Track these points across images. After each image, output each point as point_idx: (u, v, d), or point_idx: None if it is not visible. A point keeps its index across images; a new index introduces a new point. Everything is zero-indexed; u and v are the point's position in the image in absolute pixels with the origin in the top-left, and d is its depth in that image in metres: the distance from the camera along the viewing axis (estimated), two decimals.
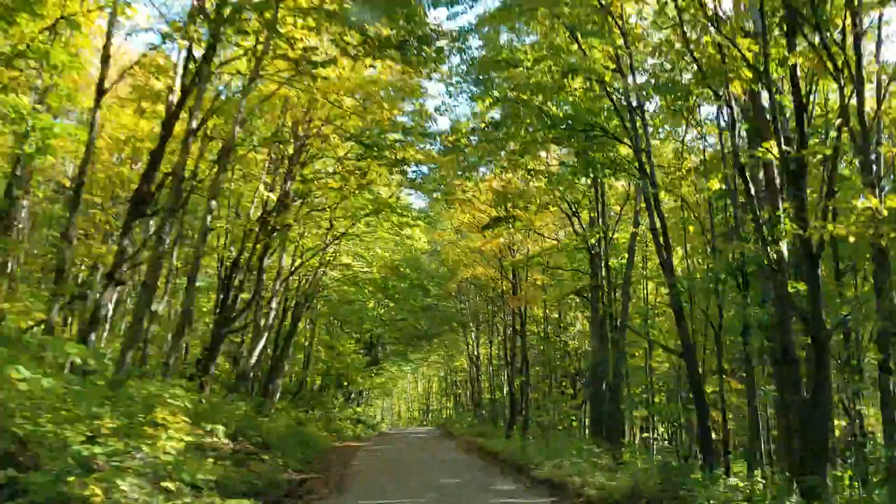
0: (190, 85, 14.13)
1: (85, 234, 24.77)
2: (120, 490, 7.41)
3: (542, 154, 22.22)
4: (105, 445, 8.39)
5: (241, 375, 24.19)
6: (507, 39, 19.75)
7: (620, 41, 15.61)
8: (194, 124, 14.24)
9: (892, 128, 18.15)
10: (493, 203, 23.83)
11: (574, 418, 29.10)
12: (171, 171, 14.68)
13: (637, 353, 29.39)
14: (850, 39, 10.92)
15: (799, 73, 12.03)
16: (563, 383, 30.84)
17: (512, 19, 17.53)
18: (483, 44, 19.71)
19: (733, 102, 14.44)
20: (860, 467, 15.21)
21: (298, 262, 26.46)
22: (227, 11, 13.34)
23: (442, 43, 16.28)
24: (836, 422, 16.39)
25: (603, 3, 14.81)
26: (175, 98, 14.69)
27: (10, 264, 21.72)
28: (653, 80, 16.29)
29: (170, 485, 8.40)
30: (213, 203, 16.78)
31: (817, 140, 16.63)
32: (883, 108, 14.99)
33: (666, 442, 30.84)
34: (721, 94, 13.78)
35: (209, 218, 16.99)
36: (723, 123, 17.30)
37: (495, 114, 19.71)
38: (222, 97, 18.42)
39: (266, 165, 21.68)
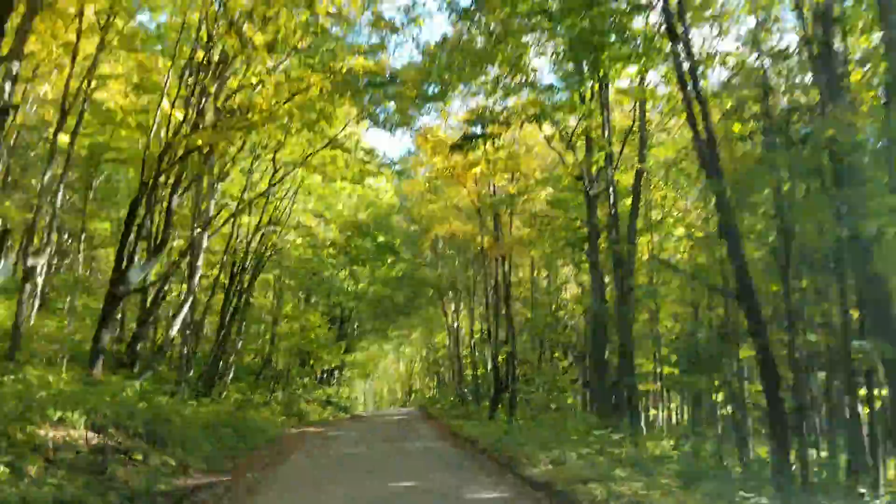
0: None
1: None
2: None
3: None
4: None
5: (157, 350, 19.17)
6: None
7: None
8: None
9: None
10: (466, 124, 18.79)
11: (568, 394, 24.24)
12: None
13: (640, 318, 24.51)
14: None
15: None
16: (555, 354, 25.92)
17: None
18: None
19: None
20: None
21: (230, 209, 21.31)
22: None
23: None
24: None
25: None
26: None
27: None
28: None
29: None
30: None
31: None
32: None
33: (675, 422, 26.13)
34: None
35: None
36: None
37: None
38: None
39: (172, 78, 16.40)
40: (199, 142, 15.10)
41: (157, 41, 18.08)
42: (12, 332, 14.45)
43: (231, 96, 17.45)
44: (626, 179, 22.85)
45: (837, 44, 11.15)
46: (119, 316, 19.28)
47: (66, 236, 28.61)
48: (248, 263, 27.63)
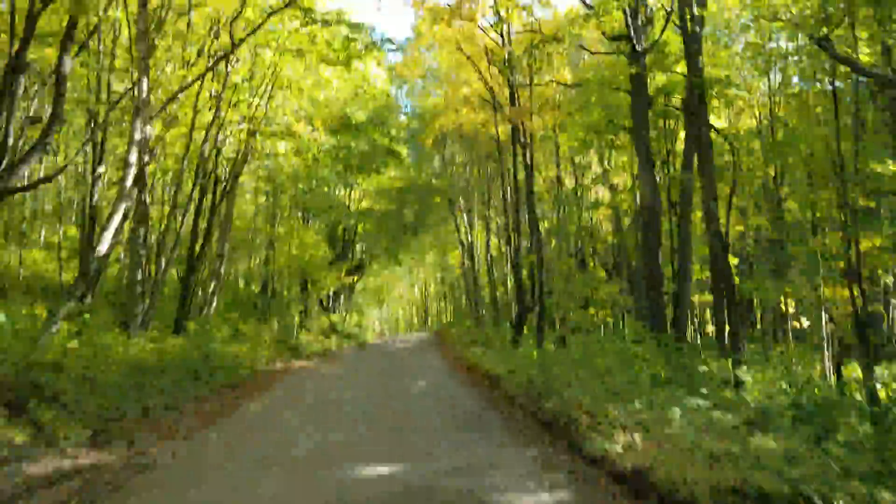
0: None
1: None
2: None
3: None
4: None
5: (81, 277, 14.58)
6: None
7: None
8: None
9: None
10: None
11: (608, 311, 19.54)
12: None
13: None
14: None
15: None
16: (591, 265, 21.02)
17: None
18: None
19: None
20: None
21: (166, 87, 16.37)
22: None
23: None
24: None
25: None
26: None
27: None
28: None
29: None
30: None
31: None
32: None
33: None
34: None
35: None
36: None
37: None
38: None
39: None
40: None
41: None
42: None
43: None
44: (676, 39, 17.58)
45: None
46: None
47: None
48: (220, 172, 22.81)
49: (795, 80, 18.51)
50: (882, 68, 13.56)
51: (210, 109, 20.60)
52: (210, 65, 16.27)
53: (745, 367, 10.97)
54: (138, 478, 6.51)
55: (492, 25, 18.95)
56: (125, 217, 16.08)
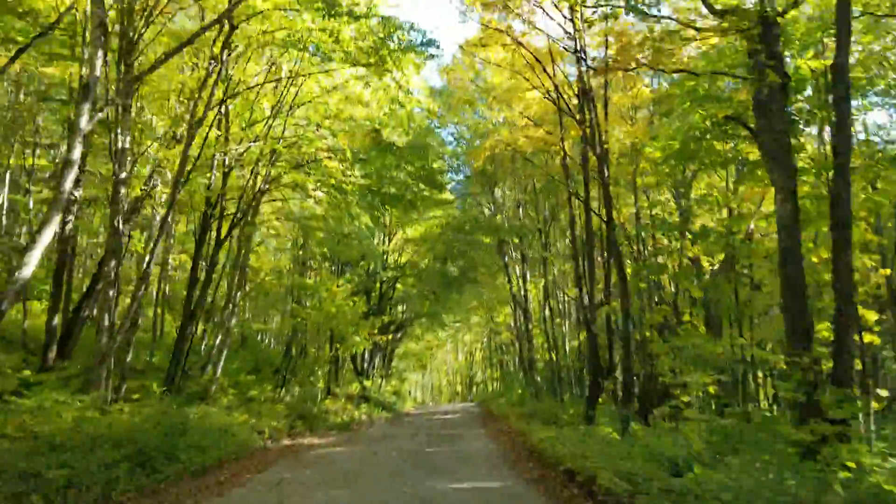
0: None
1: None
2: None
3: None
4: None
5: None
6: None
7: None
8: None
9: None
10: None
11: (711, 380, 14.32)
12: None
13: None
14: None
15: None
16: (688, 314, 15.83)
17: None
18: None
19: None
20: None
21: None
22: None
23: None
24: None
25: None
26: None
27: None
28: None
29: None
30: None
31: None
32: None
33: None
34: None
35: None
36: None
37: None
38: None
39: None
40: None
41: None
42: None
43: None
44: None
45: None
46: None
47: None
48: (228, 204, 18.86)
49: None
50: None
51: (212, 126, 16.80)
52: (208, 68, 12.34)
53: None
54: None
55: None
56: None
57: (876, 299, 15.65)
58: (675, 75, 13.59)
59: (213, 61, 15.30)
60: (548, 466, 9.05)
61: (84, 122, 10.72)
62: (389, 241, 33.45)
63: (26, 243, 13.46)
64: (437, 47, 17.52)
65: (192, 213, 20.18)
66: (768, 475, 6.74)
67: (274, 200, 22.41)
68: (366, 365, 34.19)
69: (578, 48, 14.33)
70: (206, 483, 9.39)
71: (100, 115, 11.68)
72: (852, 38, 11.18)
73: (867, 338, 12.80)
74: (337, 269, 30.05)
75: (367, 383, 31.22)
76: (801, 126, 12.26)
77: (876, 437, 9.81)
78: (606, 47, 14.49)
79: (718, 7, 12.50)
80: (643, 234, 16.25)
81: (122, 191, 14.33)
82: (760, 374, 15.22)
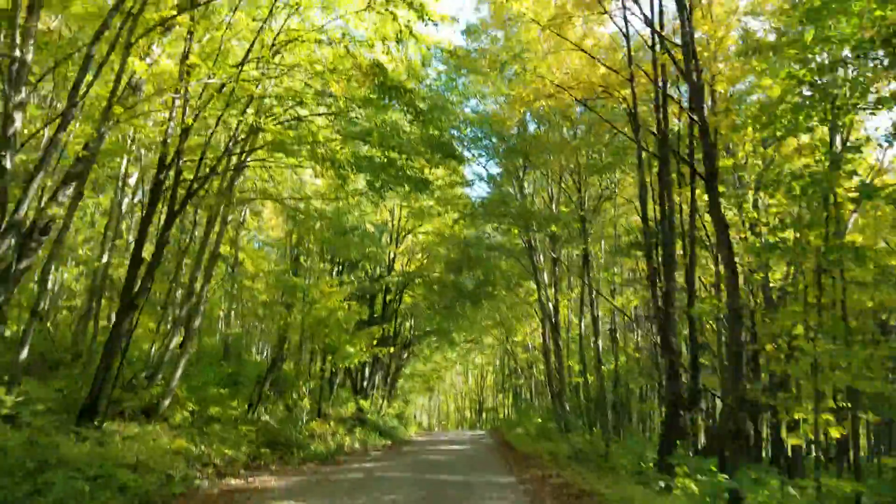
0: None
1: None
2: None
3: None
4: None
5: None
6: None
7: None
8: None
9: None
10: None
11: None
12: None
13: None
14: None
15: None
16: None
17: None
18: None
19: None
20: None
21: None
22: None
23: None
24: None
25: None
26: None
27: None
28: None
29: None
30: None
31: None
32: None
33: None
34: None
35: None
36: None
37: None
38: None
39: None
40: None
41: None
42: None
43: None
44: None
45: None
46: None
47: None
48: (181, 166, 14.49)
49: None
50: None
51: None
52: None
53: None
54: None
55: None
56: None
57: None
58: None
59: None
60: None
61: None
62: (398, 243, 29.01)
63: None
64: None
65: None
66: None
67: (262, 163, 18.05)
68: (365, 383, 29.55)
69: None
70: None
71: None
72: None
73: None
74: (338, 270, 25.60)
75: (365, 404, 26.55)
76: None
77: None
78: None
79: None
80: (760, 195, 11.63)
81: (17, 122, 10.06)
82: None
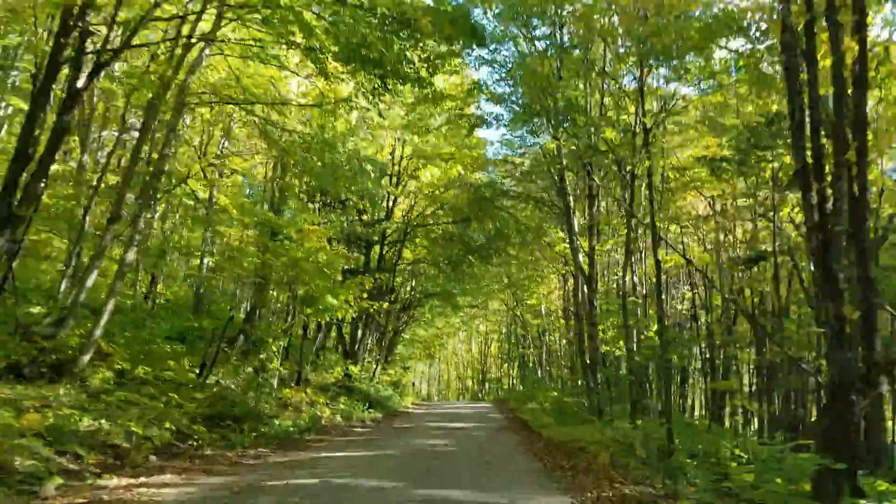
0: None
1: None
2: None
3: None
4: None
5: None
6: None
7: None
8: None
9: None
10: None
11: None
12: None
13: None
14: None
15: None
16: None
17: None
18: None
19: None
20: None
21: None
22: None
23: None
24: None
25: None
26: None
27: None
28: None
29: None
30: None
31: None
32: None
33: None
34: None
35: None
36: None
37: None
38: None
39: None
40: None
41: None
42: None
43: None
44: None
45: None
46: None
47: None
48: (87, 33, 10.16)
49: None
50: None
51: None
52: None
53: None
54: None
55: None
56: None
57: None
58: None
59: None
60: None
61: None
62: (399, 184, 24.64)
63: None
64: None
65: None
66: None
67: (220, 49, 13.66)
68: (357, 345, 25.48)
69: None
70: None
71: None
72: None
73: None
74: (326, 207, 21.28)
75: (354, 369, 22.48)
76: None
77: None
78: None
79: None
80: None
81: None
82: None
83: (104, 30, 10.90)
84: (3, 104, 17.34)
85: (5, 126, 17.81)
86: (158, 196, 16.09)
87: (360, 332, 25.24)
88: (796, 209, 13.15)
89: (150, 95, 12.30)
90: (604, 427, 12.19)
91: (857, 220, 6.22)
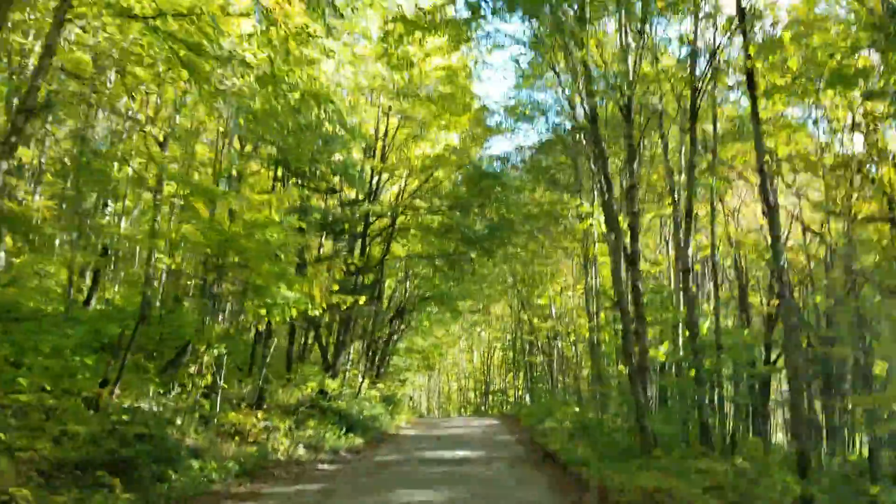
0: None
1: None
2: None
3: None
4: None
5: None
6: None
7: None
8: None
9: None
10: None
11: None
12: None
13: None
14: None
15: None
16: None
17: None
18: None
19: None
20: None
21: None
22: None
23: None
24: None
25: None
26: None
27: None
28: None
29: None
30: None
31: None
32: None
33: None
34: None
35: None
36: None
37: None
38: None
39: None
40: None
41: None
42: None
43: None
44: None
45: None
46: None
47: None
48: None
49: None
50: None
51: None
52: None
53: None
54: None
55: None
56: None
57: None
58: None
59: None
60: None
61: None
62: (384, 158, 20.41)
63: None
64: None
65: None
66: None
67: None
68: (337, 356, 21.15)
69: None
70: None
71: None
72: None
73: None
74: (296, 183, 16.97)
75: (332, 384, 18.19)
76: None
77: None
78: None
79: None
80: None
81: None
82: None
83: None
84: None
85: None
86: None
87: (340, 338, 20.93)
88: None
89: None
90: (688, 467, 7.95)
91: None
